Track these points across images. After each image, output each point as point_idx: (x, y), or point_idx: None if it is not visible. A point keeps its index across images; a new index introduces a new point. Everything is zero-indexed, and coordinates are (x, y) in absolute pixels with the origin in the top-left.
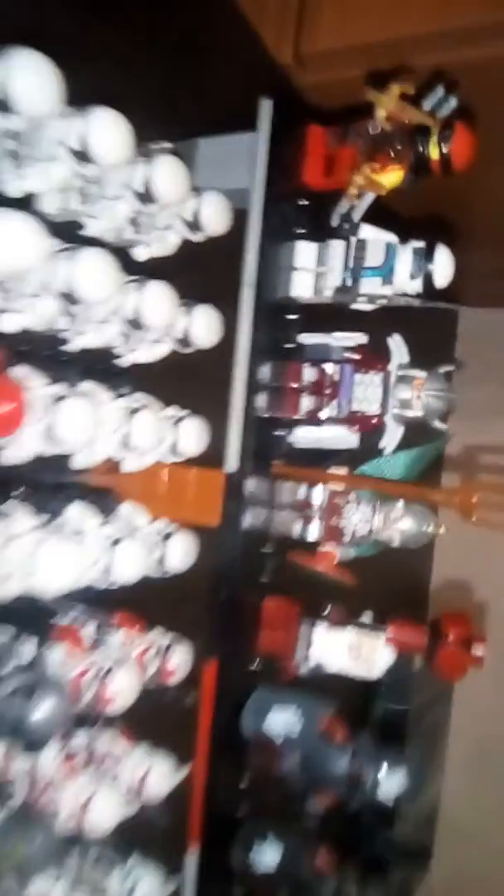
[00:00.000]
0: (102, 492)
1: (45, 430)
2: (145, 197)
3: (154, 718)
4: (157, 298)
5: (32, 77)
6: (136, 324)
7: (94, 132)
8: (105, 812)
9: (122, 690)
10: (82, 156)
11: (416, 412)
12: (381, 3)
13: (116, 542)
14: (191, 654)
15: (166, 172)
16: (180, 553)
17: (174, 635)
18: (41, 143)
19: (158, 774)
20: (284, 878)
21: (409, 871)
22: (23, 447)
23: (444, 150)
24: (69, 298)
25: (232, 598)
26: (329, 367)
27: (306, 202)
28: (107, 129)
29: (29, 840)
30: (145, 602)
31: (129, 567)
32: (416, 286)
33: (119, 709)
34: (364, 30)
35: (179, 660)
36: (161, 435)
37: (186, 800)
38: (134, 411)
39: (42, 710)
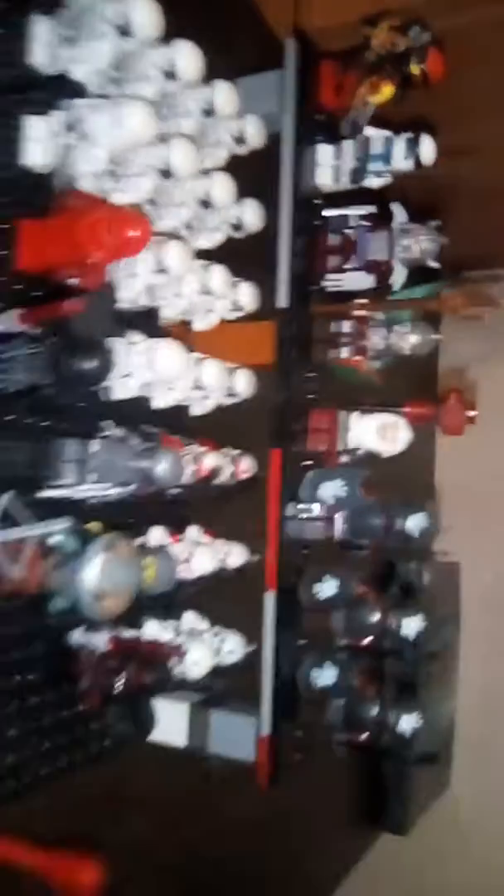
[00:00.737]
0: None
1: (154, 263)
2: (209, 112)
3: (232, 512)
4: (223, 179)
5: (148, 7)
6: (206, 203)
7: (180, 56)
8: (202, 562)
9: (213, 466)
10: (170, 75)
11: (415, 255)
12: None
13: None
14: (255, 459)
15: (225, 91)
16: (245, 381)
17: (242, 449)
18: (139, 66)
19: (236, 556)
20: (340, 603)
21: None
22: (136, 283)
23: (423, 68)
24: (164, 174)
25: (286, 412)
26: (349, 231)
27: (323, 116)
28: (188, 54)
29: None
30: (218, 428)
31: (213, 378)
32: (409, 165)
33: (213, 482)
34: (353, 6)
35: (248, 464)
36: (227, 290)
37: (262, 560)
38: (207, 267)
39: (164, 462)
